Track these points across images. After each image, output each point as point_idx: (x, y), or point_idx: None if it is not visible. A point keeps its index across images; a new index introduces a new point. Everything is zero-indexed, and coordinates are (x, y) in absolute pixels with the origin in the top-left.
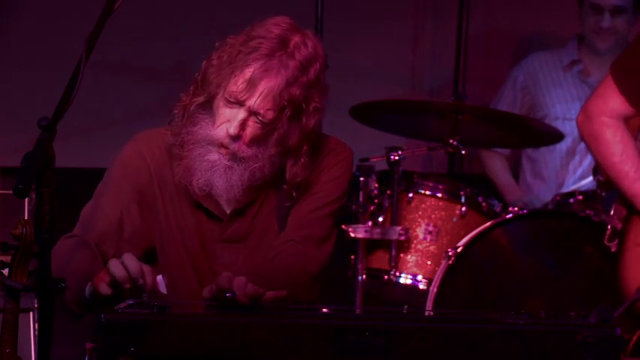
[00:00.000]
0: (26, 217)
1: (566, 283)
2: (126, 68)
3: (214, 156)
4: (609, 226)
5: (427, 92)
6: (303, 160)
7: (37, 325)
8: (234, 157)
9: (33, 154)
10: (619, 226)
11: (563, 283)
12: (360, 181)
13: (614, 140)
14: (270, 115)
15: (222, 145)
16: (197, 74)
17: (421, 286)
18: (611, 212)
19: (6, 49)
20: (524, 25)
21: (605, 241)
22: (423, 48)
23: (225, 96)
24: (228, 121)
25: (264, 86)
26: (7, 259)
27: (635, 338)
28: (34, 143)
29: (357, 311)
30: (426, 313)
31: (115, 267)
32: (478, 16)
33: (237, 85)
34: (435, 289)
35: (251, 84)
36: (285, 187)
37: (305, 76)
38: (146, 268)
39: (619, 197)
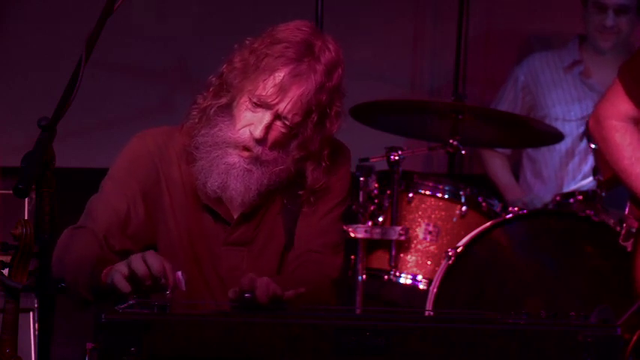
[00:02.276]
0: (26, 217)
1: (566, 283)
2: (126, 68)
3: (233, 159)
4: (624, 225)
5: (427, 92)
6: (324, 164)
7: (37, 325)
8: (255, 160)
9: (33, 154)
10: (635, 225)
11: (563, 283)
12: (360, 181)
13: (623, 143)
14: (296, 119)
15: (244, 148)
16: (213, 77)
17: (421, 286)
18: (626, 211)
19: (6, 49)
20: (524, 25)
21: (620, 241)
22: (423, 48)
23: (253, 99)
24: (251, 124)
25: (294, 91)
26: (7, 259)
27: (635, 338)
28: (34, 143)
29: (357, 311)
30: (426, 313)
31: (137, 264)
32: (478, 16)
33: (266, 89)
34: (435, 289)
35: (281, 89)
36: (301, 192)
37: (330, 81)
38: (167, 265)
39: (631, 198)
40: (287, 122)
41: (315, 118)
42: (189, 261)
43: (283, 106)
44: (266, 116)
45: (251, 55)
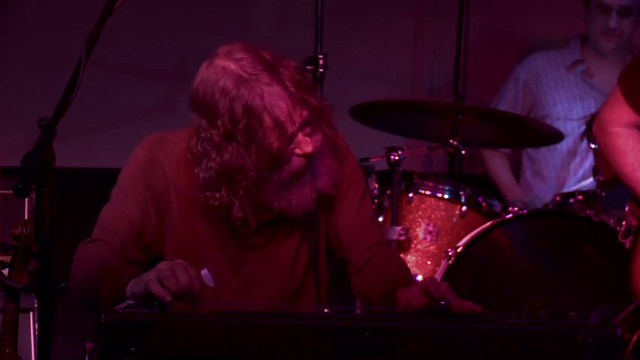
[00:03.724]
0: (26, 217)
1: (566, 283)
2: (126, 68)
3: (302, 187)
4: (624, 222)
5: (427, 92)
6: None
7: (37, 325)
8: (308, 167)
9: (33, 154)
10: (634, 222)
11: (563, 283)
12: None
13: (626, 149)
14: (307, 113)
15: (305, 171)
16: (218, 169)
17: None
18: (626, 209)
19: (6, 49)
20: (524, 25)
21: (620, 238)
22: (423, 48)
23: (280, 148)
24: (295, 149)
25: (285, 106)
26: (7, 259)
27: (635, 338)
28: (34, 143)
29: (357, 311)
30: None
31: (169, 281)
32: (478, 16)
33: (278, 134)
34: None
35: (286, 117)
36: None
37: (280, 65)
38: (193, 272)
39: (632, 196)
40: (307, 122)
41: (311, 96)
42: (197, 267)
43: (298, 124)
44: (299, 140)
45: (231, 142)
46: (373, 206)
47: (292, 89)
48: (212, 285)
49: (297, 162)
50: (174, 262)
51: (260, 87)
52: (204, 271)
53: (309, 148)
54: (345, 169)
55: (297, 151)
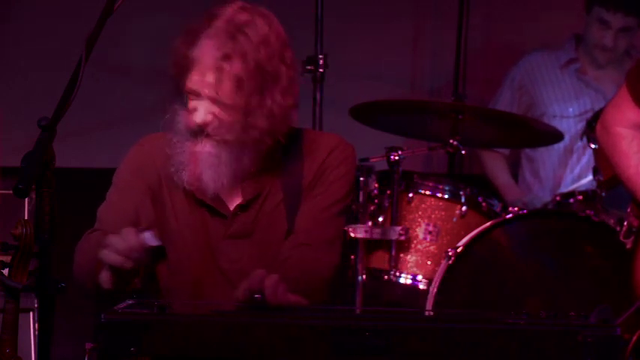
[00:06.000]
0: (26, 217)
1: (566, 283)
2: (126, 68)
3: (199, 147)
4: (625, 223)
5: (427, 92)
6: (283, 85)
7: (37, 325)
8: (217, 143)
9: (33, 154)
10: (635, 223)
11: (563, 283)
12: (360, 181)
13: (629, 152)
14: (223, 89)
15: (199, 133)
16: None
17: (421, 286)
18: (628, 209)
19: (6, 49)
20: (523, 26)
21: (621, 238)
22: (423, 48)
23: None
24: (194, 110)
25: (204, 64)
26: (7, 259)
27: (635, 338)
28: (34, 143)
29: (357, 311)
30: (426, 313)
31: (107, 256)
32: (478, 17)
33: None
34: (435, 289)
35: (199, 68)
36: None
37: (236, 41)
38: (135, 233)
39: (633, 198)
40: (215, 95)
41: (252, 83)
42: (191, 258)
43: (209, 90)
44: (202, 103)
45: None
46: (347, 225)
47: (220, 56)
48: (155, 244)
49: (193, 122)
50: (107, 238)
51: (200, 33)
52: (146, 233)
53: (201, 119)
54: (336, 173)
55: (194, 114)
